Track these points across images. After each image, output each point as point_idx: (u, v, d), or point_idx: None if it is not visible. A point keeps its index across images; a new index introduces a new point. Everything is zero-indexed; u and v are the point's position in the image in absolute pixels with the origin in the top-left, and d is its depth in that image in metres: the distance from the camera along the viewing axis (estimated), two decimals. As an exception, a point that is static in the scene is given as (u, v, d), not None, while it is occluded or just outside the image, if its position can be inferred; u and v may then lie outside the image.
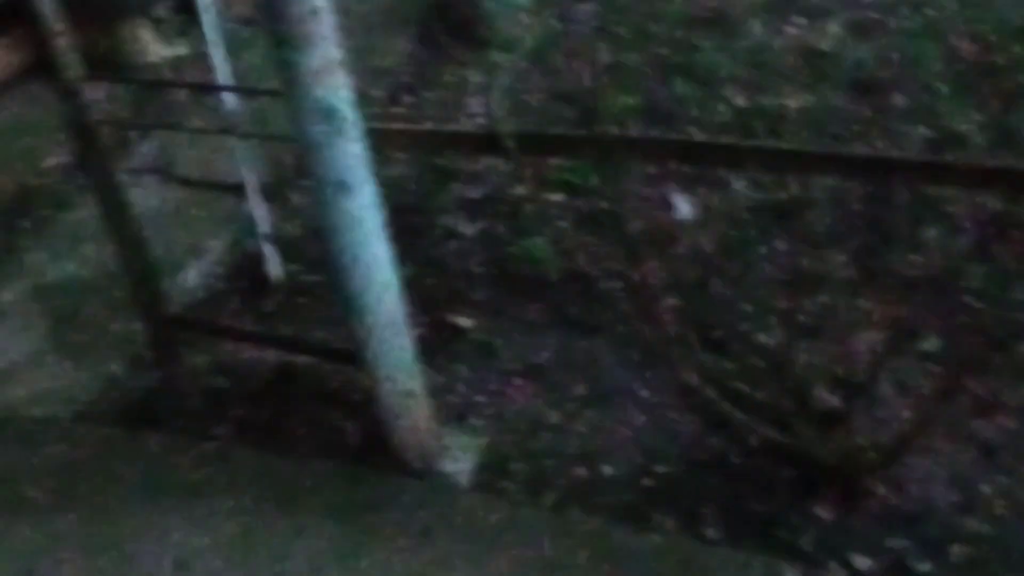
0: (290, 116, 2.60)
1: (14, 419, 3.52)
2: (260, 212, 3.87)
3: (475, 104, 4.90)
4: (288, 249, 4.02)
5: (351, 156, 2.66)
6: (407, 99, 5.03)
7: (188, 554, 2.97)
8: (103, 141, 3.15)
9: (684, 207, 4.08)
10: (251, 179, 3.80)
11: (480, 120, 4.73)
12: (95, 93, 3.16)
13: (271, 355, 3.61)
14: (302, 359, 3.52)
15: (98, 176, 3.24)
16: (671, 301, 3.51)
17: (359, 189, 2.70)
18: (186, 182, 3.80)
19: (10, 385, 3.67)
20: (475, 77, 5.07)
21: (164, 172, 4.70)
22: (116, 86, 5.04)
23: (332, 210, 2.71)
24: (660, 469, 3.14)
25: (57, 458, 3.36)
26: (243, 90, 3.68)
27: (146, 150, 4.85)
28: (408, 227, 3.86)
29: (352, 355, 3.01)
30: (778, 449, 3.00)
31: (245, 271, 4.02)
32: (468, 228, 4.22)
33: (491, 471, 3.17)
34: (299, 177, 4.29)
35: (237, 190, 3.86)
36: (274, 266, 3.96)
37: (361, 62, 4.38)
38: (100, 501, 3.16)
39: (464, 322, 3.70)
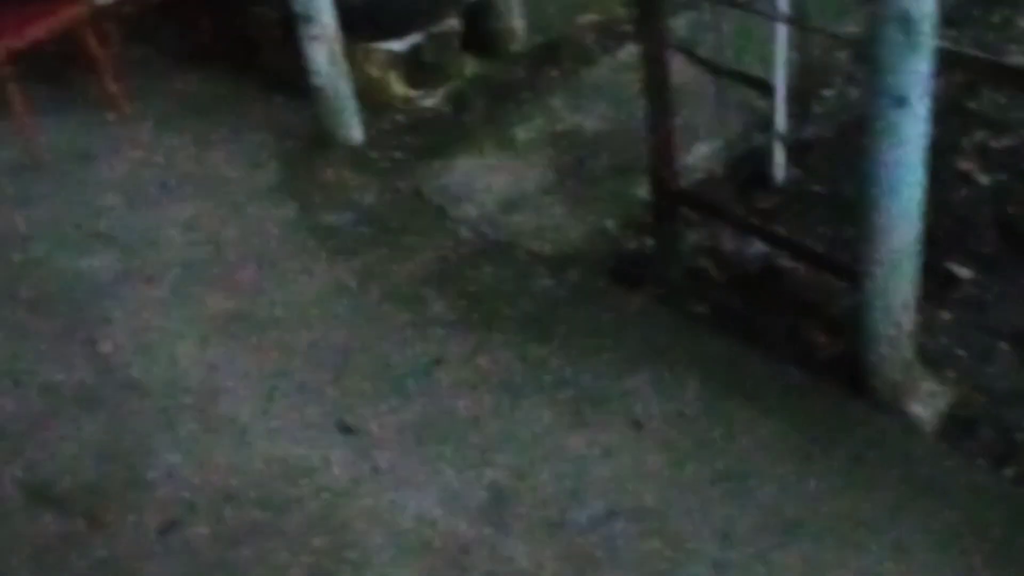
0: (864, 20, 2.55)
1: (515, 247, 3.79)
2: (779, 110, 3.86)
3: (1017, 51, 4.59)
4: (795, 153, 3.99)
5: (917, 72, 2.59)
6: (948, 32, 4.78)
7: (642, 415, 3.11)
8: (662, 7, 3.25)
9: None
10: (780, 76, 3.78)
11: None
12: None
13: (757, 250, 3.64)
14: (788, 263, 3.52)
15: (648, 40, 3.35)
16: None
17: (916, 107, 2.63)
18: (710, 66, 3.83)
19: (517, 214, 3.94)
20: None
21: (689, 51, 4.78)
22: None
23: (882, 123, 2.66)
24: None
25: (540, 292, 3.61)
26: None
27: (675, 25, 4.94)
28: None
29: (848, 271, 2.98)
30: None
31: (746, 165, 4.04)
32: (983, 177, 4.00)
33: (956, 427, 3.06)
34: (823, 84, 4.23)
35: (761, 86, 3.86)
36: (778, 167, 3.95)
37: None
38: (573, 341, 3.36)
39: (961, 272, 3.55)
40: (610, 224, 3.87)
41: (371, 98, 4.43)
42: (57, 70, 4.78)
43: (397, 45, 4.44)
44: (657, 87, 3.39)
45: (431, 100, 4.57)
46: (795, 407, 3.08)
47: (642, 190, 3.95)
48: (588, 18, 4.99)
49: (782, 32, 3.70)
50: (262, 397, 3.36)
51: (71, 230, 4.12)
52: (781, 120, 3.88)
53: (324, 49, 4.18)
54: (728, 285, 3.56)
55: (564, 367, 3.29)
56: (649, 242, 3.73)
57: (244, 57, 4.78)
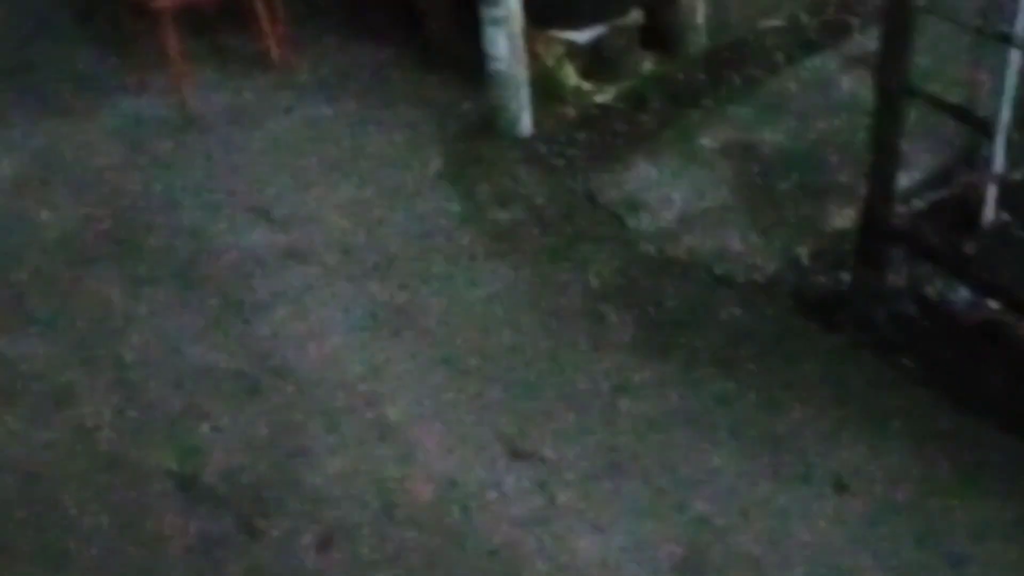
0: None
1: (698, 267, 3.53)
2: (998, 149, 3.55)
3: None
4: (1007, 195, 3.68)
5: None
6: None
7: (847, 475, 2.86)
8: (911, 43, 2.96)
9: None
10: (1005, 110, 3.47)
11: None
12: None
13: (965, 297, 3.35)
14: (1005, 316, 3.23)
15: (888, 76, 3.06)
16: None
17: None
18: (930, 99, 3.53)
19: (699, 230, 3.69)
20: None
21: (921, 91, 4.46)
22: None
23: None
24: None
25: (728, 322, 3.35)
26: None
27: (864, 39, 4.63)
28: None
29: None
30: None
31: (952, 204, 3.74)
32: None
33: None
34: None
35: (978, 123, 3.55)
36: (988, 208, 3.64)
37: None
38: (767, 383, 3.11)
39: None
40: (800, 252, 3.59)
41: (542, 88, 4.18)
42: (215, 25, 4.57)
43: (578, 35, 4.17)
44: (889, 125, 3.11)
45: (604, 95, 4.30)
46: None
47: (836, 218, 3.69)
48: (771, 22, 4.68)
49: (1015, 60, 3.39)
50: (429, 407, 3.15)
51: (224, 199, 3.93)
52: (999, 159, 3.57)
53: (505, 33, 3.94)
54: (937, 335, 3.27)
55: (759, 411, 3.05)
56: (845, 276, 3.45)
57: (409, 27, 4.54)
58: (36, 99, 4.48)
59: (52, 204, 3.96)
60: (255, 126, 4.25)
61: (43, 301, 3.56)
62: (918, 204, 3.73)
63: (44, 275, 3.66)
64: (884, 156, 3.18)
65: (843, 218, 3.68)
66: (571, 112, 4.24)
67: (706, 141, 4.12)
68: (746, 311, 3.39)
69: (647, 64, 4.43)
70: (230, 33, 4.60)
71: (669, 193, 3.88)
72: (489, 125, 4.14)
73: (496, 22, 3.91)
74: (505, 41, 3.95)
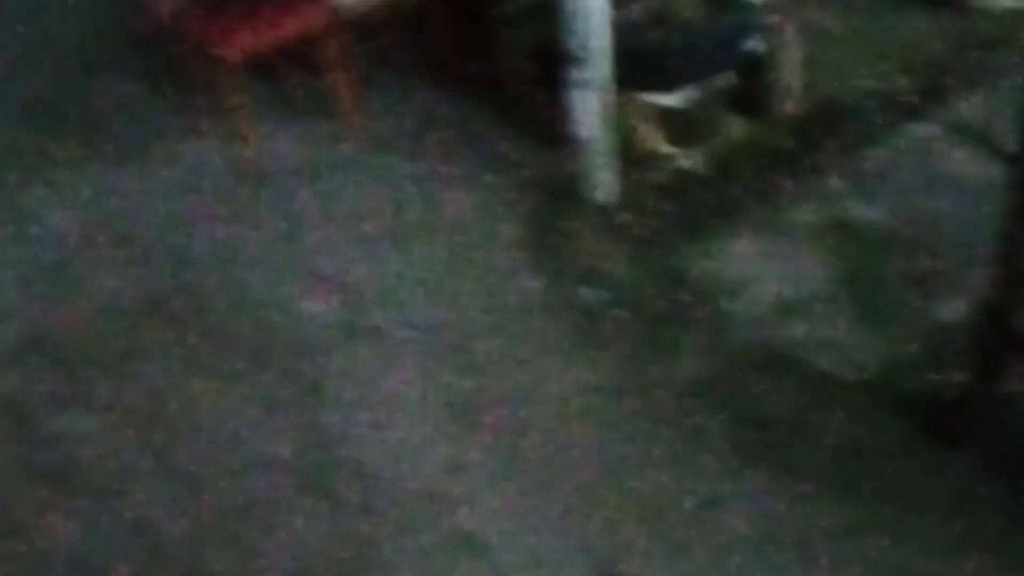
0: None
1: (799, 364, 3.28)
2: None
3: None
4: None
5: None
6: None
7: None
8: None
9: None
10: None
11: None
12: None
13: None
14: None
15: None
16: None
17: None
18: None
19: (798, 320, 3.43)
20: None
21: (984, 137, 4.19)
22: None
23: None
24: None
25: (834, 430, 3.09)
26: None
27: (967, 105, 4.36)
28: None
29: None
30: None
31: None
32: None
33: None
34: None
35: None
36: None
37: None
38: (883, 510, 2.85)
39: None
40: (912, 351, 3.32)
41: (626, 153, 3.93)
42: (280, 70, 4.34)
43: (667, 99, 3.91)
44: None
45: (690, 160, 4.05)
46: None
47: (951, 312, 3.42)
48: (866, 83, 4.41)
49: None
50: (510, 514, 2.91)
51: (286, 263, 3.70)
52: None
53: (592, 96, 3.69)
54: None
55: (877, 542, 2.78)
56: (959, 378, 3.17)
57: (485, 82, 4.29)
58: (88, 142, 4.28)
59: (103, 263, 3.74)
60: (320, 180, 4.03)
61: (97, 375, 3.34)
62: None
63: (95, 346, 3.44)
64: (1014, 252, 2.90)
65: (953, 310, 3.41)
66: (655, 178, 3.99)
67: (800, 216, 3.86)
68: (851, 416, 3.13)
69: (736, 128, 4.17)
70: (295, 78, 4.37)
71: (763, 274, 3.62)
72: (570, 191, 3.90)
73: (583, 84, 3.67)
74: (591, 104, 3.70)
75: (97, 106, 4.46)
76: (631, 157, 3.94)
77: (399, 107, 4.32)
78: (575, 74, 3.67)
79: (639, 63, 3.83)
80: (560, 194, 3.91)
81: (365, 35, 4.29)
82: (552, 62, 3.84)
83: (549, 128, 3.97)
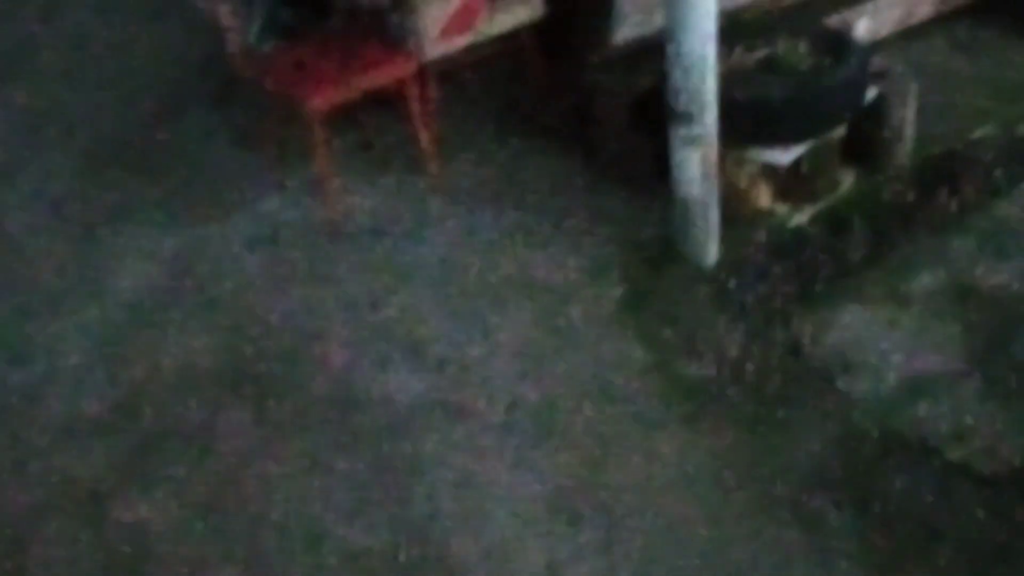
0: None
1: (930, 452, 3.00)
2: None
3: None
4: None
5: None
6: None
7: None
8: None
9: None
10: None
11: None
12: None
13: None
14: None
15: None
16: None
17: None
18: None
19: (926, 400, 3.16)
20: None
21: None
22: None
23: None
24: None
25: (975, 530, 2.80)
26: None
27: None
28: None
29: None
30: None
31: None
32: None
33: None
34: None
35: None
36: None
37: None
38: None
39: None
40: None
41: (730, 211, 3.67)
42: (364, 120, 4.14)
43: (777, 155, 3.64)
44: None
45: (799, 218, 3.77)
46: None
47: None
48: (986, 130, 4.11)
49: None
50: (618, 625, 2.65)
51: (371, 330, 3.49)
52: None
53: (698, 153, 3.43)
54: None
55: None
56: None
57: (579, 132, 4.06)
58: (165, 194, 4.11)
59: (179, 326, 3.56)
60: (406, 239, 3.81)
61: (172, 452, 3.14)
62: None
63: (172, 418, 3.25)
64: None
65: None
66: (762, 237, 3.72)
67: (923, 280, 3.59)
68: (993, 516, 2.83)
69: (847, 181, 3.89)
70: (379, 128, 4.17)
71: (884, 347, 3.35)
72: (671, 252, 3.65)
73: (689, 141, 3.42)
74: (697, 162, 3.45)
75: (176, 154, 4.31)
76: (736, 215, 3.69)
77: (487, 159, 4.11)
78: (680, 130, 3.41)
79: (746, 116, 3.56)
80: (660, 254, 3.66)
81: (452, 83, 4.08)
82: (652, 112, 3.61)
83: (648, 183, 3.74)
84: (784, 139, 3.62)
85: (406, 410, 3.21)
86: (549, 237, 3.77)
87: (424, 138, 3.96)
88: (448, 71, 3.99)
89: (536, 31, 3.99)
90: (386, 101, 3.95)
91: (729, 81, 3.46)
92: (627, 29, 3.84)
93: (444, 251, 3.76)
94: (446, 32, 3.79)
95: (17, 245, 3.92)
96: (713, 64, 3.31)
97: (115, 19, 5.22)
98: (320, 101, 3.65)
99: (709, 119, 3.40)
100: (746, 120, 3.53)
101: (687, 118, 3.38)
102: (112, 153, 4.35)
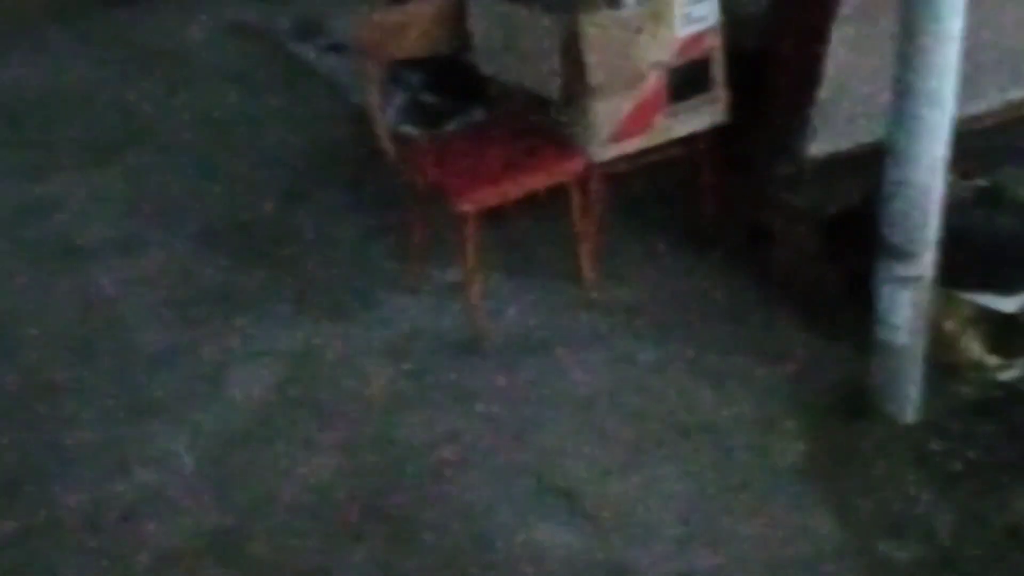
0: None
1: None
2: None
3: None
4: None
5: None
6: None
7: None
8: None
9: None
10: None
11: None
12: None
13: None
14: None
15: None
16: None
17: None
18: None
19: None
20: None
21: None
22: None
23: None
24: None
25: None
26: None
27: None
28: None
29: None
30: None
31: None
32: None
33: None
34: None
35: None
36: None
37: None
38: None
39: None
40: None
41: (934, 360, 3.16)
42: (516, 224, 3.74)
43: (999, 301, 3.14)
44: None
45: (1013, 373, 3.25)
46: None
47: None
48: None
49: None
50: None
51: (514, 467, 3.05)
52: None
53: (911, 297, 2.95)
54: None
55: None
56: None
57: (754, 254, 3.61)
58: (287, 286, 3.75)
59: (297, 442, 3.16)
60: (555, 361, 3.38)
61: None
62: None
63: (283, 552, 2.83)
64: None
65: None
66: (973, 394, 3.21)
67: None
68: None
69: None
70: (531, 229, 3.77)
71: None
72: (862, 402, 3.16)
73: (902, 282, 2.94)
74: (909, 306, 2.96)
75: (301, 241, 3.95)
76: (944, 366, 3.18)
77: (650, 274, 3.67)
78: (893, 268, 2.94)
79: (964, 254, 3.08)
80: (851, 404, 3.17)
81: (617, 187, 3.67)
82: (849, 239, 3.14)
83: (837, 318, 3.26)
84: (1007, 283, 3.12)
85: (560, 568, 2.73)
86: (719, 371, 3.31)
87: (583, 245, 3.53)
88: (614, 174, 3.57)
89: (715, 137, 3.56)
90: (540, 198, 3.54)
91: (946, 212, 2.99)
92: (824, 142, 3.39)
93: (598, 378, 3.32)
94: (620, 133, 3.38)
95: (127, 334, 3.57)
96: (940, 196, 2.84)
97: (245, 91, 4.95)
98: (475, 202, 3.26)
99: (928, 259, 2.93)
100: (964, 259, 3.05)
101: (903, 255, 2.91)
102: (232, 236, 4.03)
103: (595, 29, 3.22)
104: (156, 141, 4.62)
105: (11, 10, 5.68)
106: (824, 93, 3.31)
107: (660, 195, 3.84)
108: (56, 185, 4.38)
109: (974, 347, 3.25)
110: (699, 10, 3.32)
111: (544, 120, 3.50)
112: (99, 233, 4.08)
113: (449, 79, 4.33)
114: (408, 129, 4.23)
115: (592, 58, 3.24)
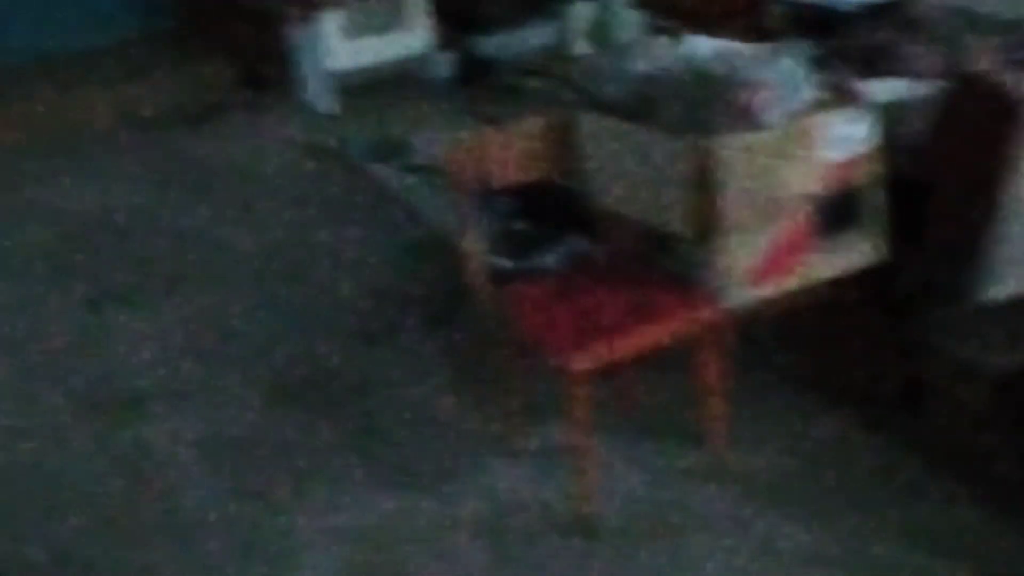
0: None
1: None
2: None
3: None
4: None
5: None
6: None
7: None
8: None
9: None
10: None
11: None
12: None
13: None
14: None
15: None
16: None
17: None
18: None
19: None
20: None
21: None
22: None
23: None
24: None
25: None
26: None
27: None
28: None
29: None
30: None
31: None
32: None
33: None
34: None
35: None
36: None
37: None
38: None
39: None
40: None
41: None
42: (629, 376, 3.20)
43: None
44: None
45: None
46: None
47: None
48: None
49: None
50: None
51: None
52: None
53: None
54: None
55: None
56: None
57: (910, 417, 3.03)
58: (362, 449, 3.22)
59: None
60: (677, 547, 2.79)
61: None
62: None
63: None
64: None
65: None
66: None
67: None
68: None
69: None
70: (647, 383, 3.22)
71: None
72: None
73: None
74: None
75: (378, 395, 3.45)
76: None
77: (788, 438, 3.10)
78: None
79: None
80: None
81: (748, 336, 3.13)
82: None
83: (1016, 497, 2.66)
84: None
85: None
86: (886, 567, 2.70)
87: (711, 406, 2.98)
88: (746, 322, 3.03)
89: (866, 276, 3.02)
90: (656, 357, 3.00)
91: None
92: (1002, 286, 2.84)
93: (724, 565, 2.73)
94: (759, 275, 2.85)
95: (178, 501, 3.07)
96: None
97: (318, 217, 4.51)
98: (586, 360, 2.72)
99: None
100: None
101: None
102: (301, 387, 3.54)
103: (732, 154, 2.72)
104: (219, 273, 4.18)
105: (69, 126, 5.33)
106: (1005, 227, 2.77)
107: (799, 346, 3.28)
108: (107, 321, 3.94)
109: None
110: (853, 131, 2.81)
111: (664, 258, 2.98)
112: (153, 378, 3.61)
113: (542, 203, 3.87)
114: (498, 261, 3.73)
115: (728, 188, 2.73)
